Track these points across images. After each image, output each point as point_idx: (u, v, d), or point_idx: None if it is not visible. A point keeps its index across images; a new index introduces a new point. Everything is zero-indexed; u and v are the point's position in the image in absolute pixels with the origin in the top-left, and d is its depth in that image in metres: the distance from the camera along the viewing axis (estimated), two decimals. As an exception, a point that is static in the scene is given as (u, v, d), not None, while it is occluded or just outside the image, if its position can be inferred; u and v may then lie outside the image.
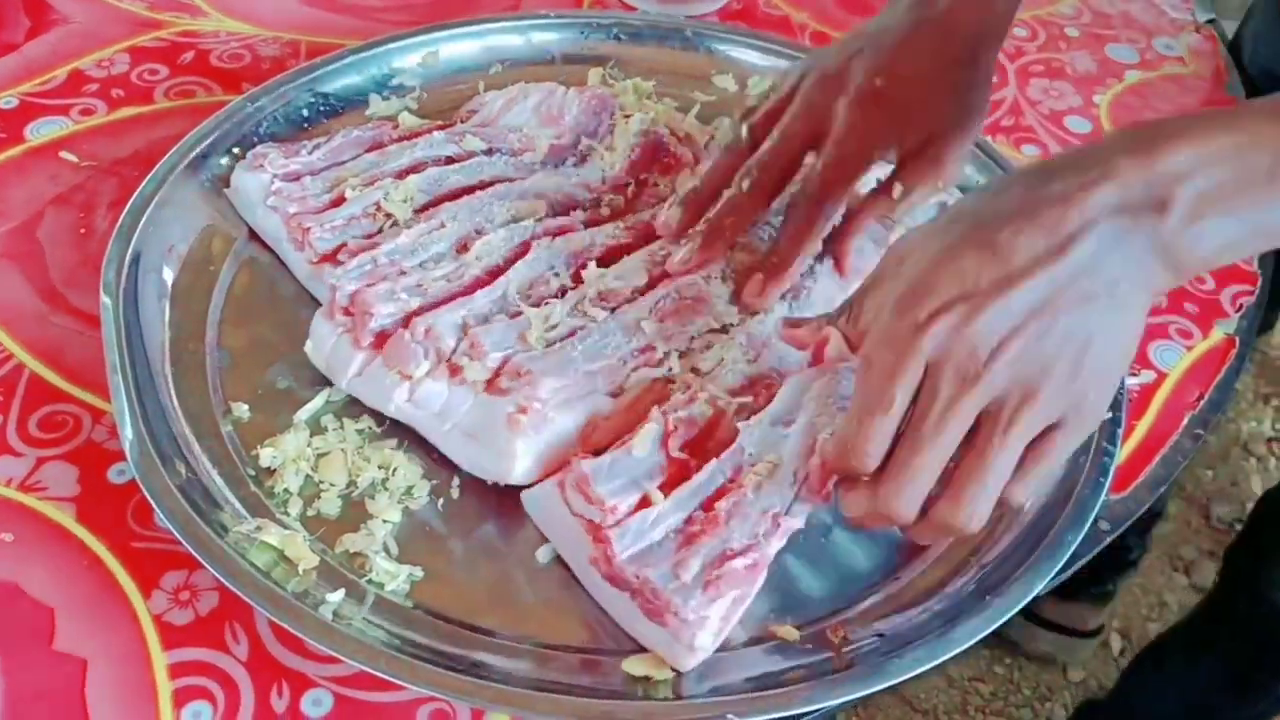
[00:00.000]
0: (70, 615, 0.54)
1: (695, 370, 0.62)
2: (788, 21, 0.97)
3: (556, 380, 0.59)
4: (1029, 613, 1.34)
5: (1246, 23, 1.00)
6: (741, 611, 0.53)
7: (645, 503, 0.54)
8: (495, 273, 0.65)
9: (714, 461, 0.56)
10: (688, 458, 0.56)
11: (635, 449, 0.56)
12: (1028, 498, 0.52)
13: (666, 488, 0.55)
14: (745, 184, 0.63)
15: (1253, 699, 1.06)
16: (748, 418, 0.57)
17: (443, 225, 0.67)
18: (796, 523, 0.54)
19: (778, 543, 0.54)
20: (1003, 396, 0.48)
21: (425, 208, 0.69)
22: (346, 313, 0.62)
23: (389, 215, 0.68)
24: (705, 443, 0.58)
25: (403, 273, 0.64)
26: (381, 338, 0.61)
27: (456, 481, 0.59)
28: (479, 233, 0.67)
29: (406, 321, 0.61)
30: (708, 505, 0.54)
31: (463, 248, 0.66)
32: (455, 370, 0.59)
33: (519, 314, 0.62)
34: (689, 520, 0.54)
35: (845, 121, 0.62)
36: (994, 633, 0.54)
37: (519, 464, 0.58)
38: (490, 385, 0.59)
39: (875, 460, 0.49)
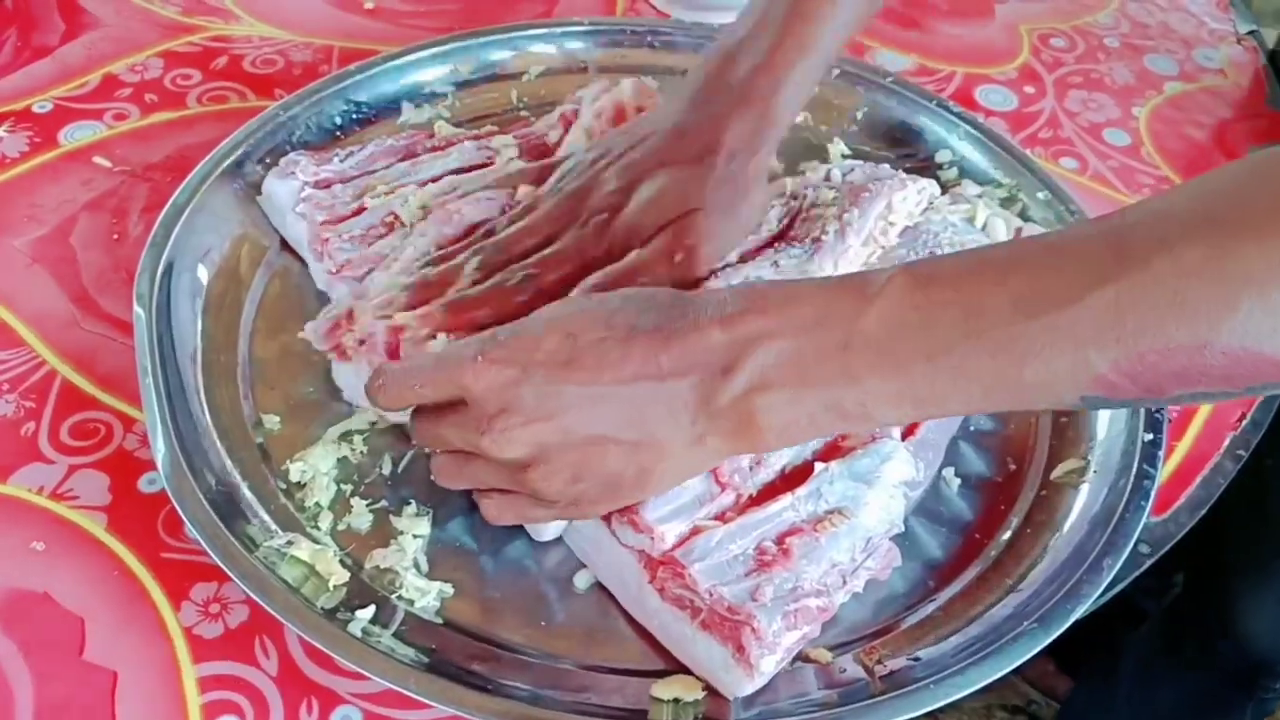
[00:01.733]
0: (100, 625, 0.54)
1: None
2: (822, 30, 0.95)
3: None
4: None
5: None
6: (796, 651, 0.53)
7: (696, 531, 0.54)
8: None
9: (789, 496, 0.55)
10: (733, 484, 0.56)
11: None
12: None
13: (726, 514, 0.55)
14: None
15: (1217, 718, 1.05)
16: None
17: (411, 245, 0.66)
18: (858, 585, 0.54)
19: (842, 598, 0.54)
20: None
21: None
22: (339, 349, 0.62)
23: (402, 223, 0.68)
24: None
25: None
26: (391, 351, 0.60)
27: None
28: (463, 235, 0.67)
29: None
30: (780, 539, 0.54)
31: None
32: None
33: None
34: (761, 550, 0.53)
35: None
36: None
37: (551, 526, 0.57)
38: None
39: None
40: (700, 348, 0.47)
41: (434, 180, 0.71)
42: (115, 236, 0.72)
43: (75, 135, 0.79)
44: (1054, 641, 0.53)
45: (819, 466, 0.56)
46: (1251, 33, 1.00)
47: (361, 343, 0.60)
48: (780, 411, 0.47)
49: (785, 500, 0.55)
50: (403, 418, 0.57)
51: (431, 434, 0.52)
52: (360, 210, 0.69)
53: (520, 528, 0.58)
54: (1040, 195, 0.74)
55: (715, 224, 0.60)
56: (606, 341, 0.48)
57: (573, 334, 0.48)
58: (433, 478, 0.55)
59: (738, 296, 0.48)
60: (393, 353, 0.59)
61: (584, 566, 0.57)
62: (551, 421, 0.48)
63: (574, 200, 0.63)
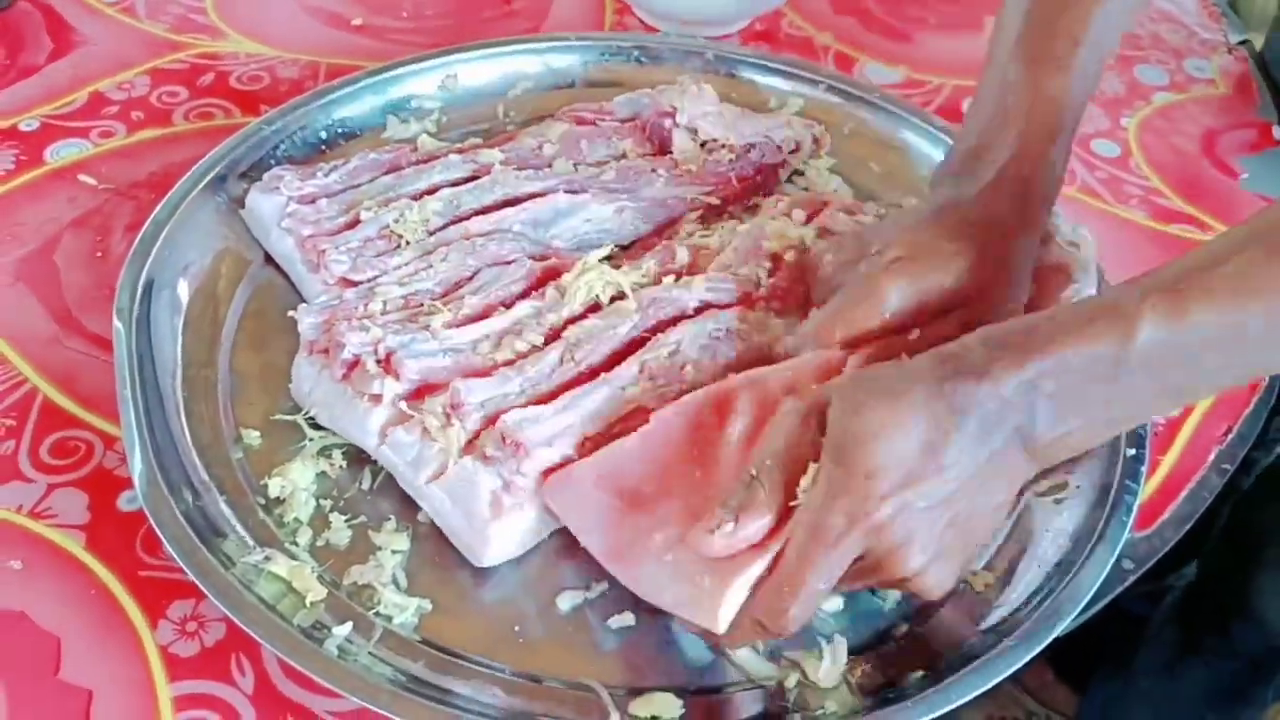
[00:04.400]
0: (76, 645, 0.54)
1: None
2: (810, 43, 0.96)
3: (550, 451, 0.57)
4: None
5: (1271, 36, 0.99)
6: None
7: None
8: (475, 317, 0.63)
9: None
10: None
11: None
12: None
13: None
14: None
15: (1239, 709, 1.04)
16: None
17: (430, 266, 0.66)
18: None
19: None
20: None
21: (439, 229, 0.69)
22: (322, 350, 0.61)
23: (401, 236, 0.68)
24: None
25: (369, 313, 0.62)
26: (352, 367, 0.60)
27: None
28: (470, 277, 0.66)
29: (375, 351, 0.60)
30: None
31: (452, 288, 0.65)
32: (425, 431, 0.57)
33: (498, 365, 0.60)
34: None
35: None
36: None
37: (491, 549, 0.56)
38: (471, 445, 0.57)
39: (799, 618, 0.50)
40: (999, 406, 0.49)
41: (428, 193, 0.71)
42: (99, 254, 0.72)
43: (61, 153, 0.79)
44: (1055, 650, 0.53)
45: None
46: (1243, 43, 0.99)
47: (326, 350, 0.60)
48: (1072, 438, 0.50)
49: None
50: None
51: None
52: (355, 223, 0.69)
53: None
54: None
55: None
56: (938, 440, 0.48)
57: (915, 445, 0.48)
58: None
59: (986, 346, 0.50)
60: (350, 368, 0.59)
61: (568, 589, 0.56)
62: (941, 530, 0.50)
63: None
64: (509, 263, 0.66)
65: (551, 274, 0.66)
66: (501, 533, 0.56)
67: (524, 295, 0.65)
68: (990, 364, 0.48)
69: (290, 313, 0.63)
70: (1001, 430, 0.49)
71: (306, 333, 0.62)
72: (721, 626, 0.50)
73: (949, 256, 0.58)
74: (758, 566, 0.51)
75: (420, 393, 0.59)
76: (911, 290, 0.58)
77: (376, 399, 0.58)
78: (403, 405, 0.58)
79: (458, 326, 0.62)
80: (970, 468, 0.49)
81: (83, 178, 0.77)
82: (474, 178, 0.72)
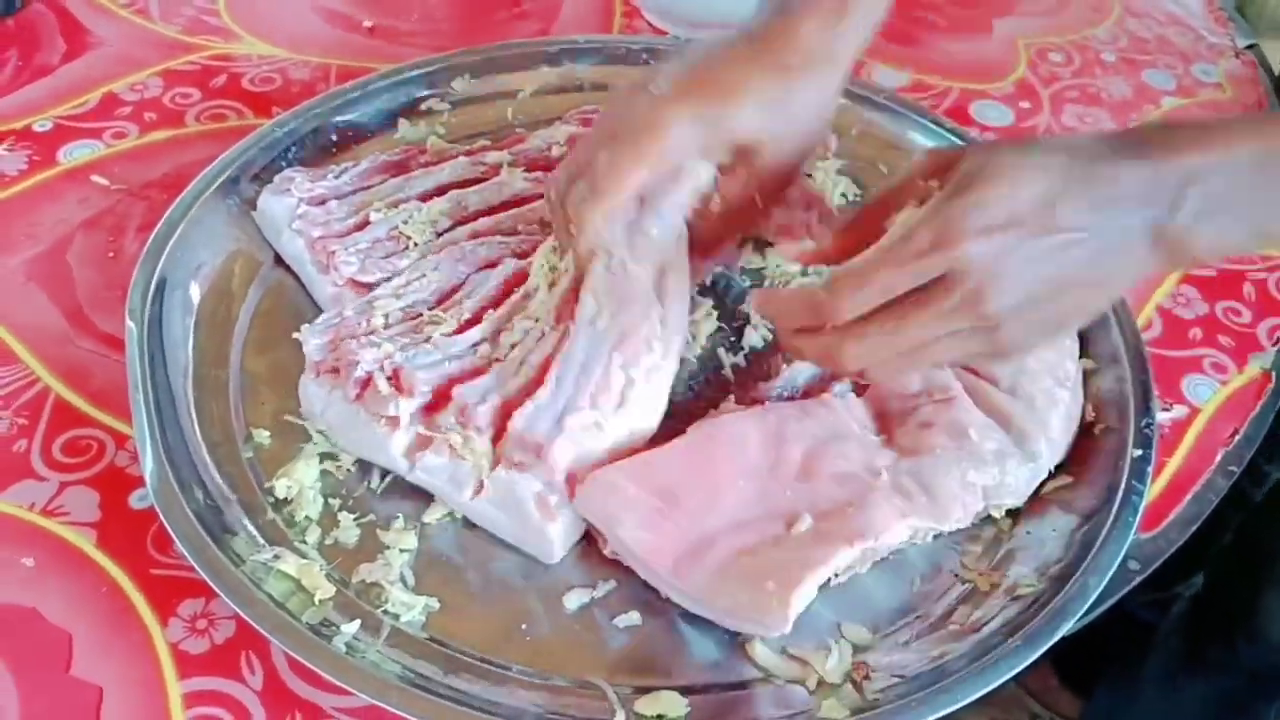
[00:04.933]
0: (87, 641, 0.54)
1: None
2: (818, 46, 0.96)
3: (570, 445, 0.57)
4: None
5: None
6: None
7: None
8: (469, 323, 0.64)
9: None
10: None
11: None
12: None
13: None
14: None
15: None
16: None
17: (424, 275, 0.66)
18: None
19: None
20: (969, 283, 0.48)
21: (446, 230, 0.69)
22: (331, 370, 0.61)
23: (409, 238, 0.68)
24: None
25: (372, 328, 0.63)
26: (365, 386, 0.60)
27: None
28: (463, 283, 0.66)
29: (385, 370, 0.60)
30: None
31: (447, 295, 0.66)
32: (452, 448, 0.58)
33: (492, 361, 0.61)
34: None
35: None
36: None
37: (557, 546, 0.57)
38: (499, 454, 0.57)
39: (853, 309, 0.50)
40: (1142, 189, 0.48)
41: (436, 194, 0.71)
42: (111, 254, 0.73)
43: (74, 154, 0.79)
44: (1058, 655, 0.53)
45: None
46: (1250, 46, 0.99)
47: (336, 370, 0.60)
48: (1215, 237, 0.49)
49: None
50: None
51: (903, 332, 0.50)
52: (365, 224, 0.69)
53: (507, 545, 0.58)
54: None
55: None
56: (1061, 196, 0.48)
57: (1033, 193, 0.48)
58: (859, 367, 0.52)
59: (1148, 133, 0.49)
60: (364, 386, 0.59)
61: (576, 587, 0.57)
62: (1038, 284, 0.49)
63: None
64: (495, 264, 0.67)
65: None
66: (559, 530, 0.57)
67: (508, 292, 0.65)
68: (1152, 148, 0.48)
69: (295, 335, 0.63)
70: (1139, 213, 0.48)
71: (313, 354, 0.61)
72: (788, 627, 0.52)
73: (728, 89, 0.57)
74: (822, 569, 0.53)
75: (436, 405, 0.59)
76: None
77: (394, 421, 0.58)
78: (421, 428, 0.58)
79: (456, 334, 0.62)
80: (1089, 235, 0.48)
81: (95, 178, 0.78)
82: (482, 179, 0.73)
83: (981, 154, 0.49)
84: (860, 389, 0.63)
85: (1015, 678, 0.53)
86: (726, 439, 0.58)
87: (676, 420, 0.61)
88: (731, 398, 0.64)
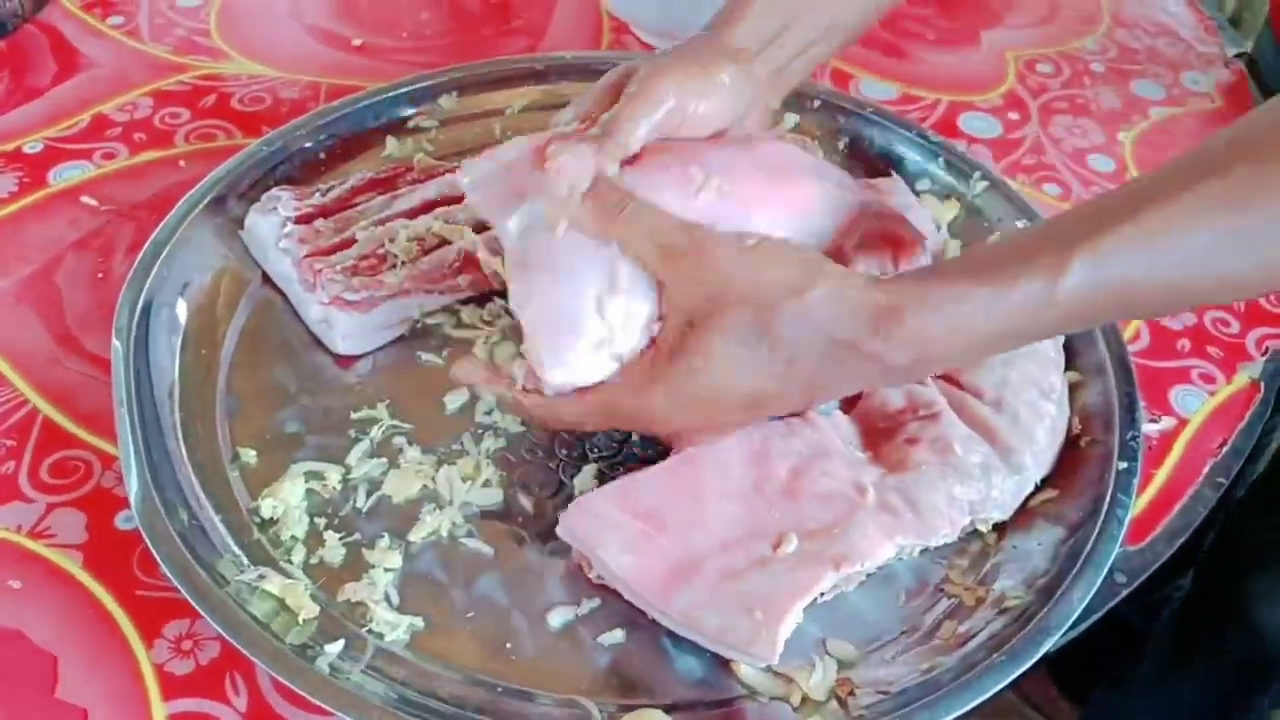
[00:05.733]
0: (73, 663, 0.54)
1: None
2: (807, 59, 0.96)
3: None
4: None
5: (1260, 46, 0.99)
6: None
7: None
8: None
9: None
10: None
11: None
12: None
13: None
14: None
15: (1237, 715, 1.03)
16: None
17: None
18: None
19: None
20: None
21: (433, 249, 0.70)
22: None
23: (396, 256, 0.69)
24: None
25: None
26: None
27: (453, 524, 0.60)
28: None
29: None
30: None
31: None
32: None
33: None
34: None
35: None
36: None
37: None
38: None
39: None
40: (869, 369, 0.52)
41: (423, 210, 0.72)
42: (100, 275, 0.73)
43: (64, 175, 0.80)
44: (1055, 664, 0.53)
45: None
46: (1240, 55, 0.99)
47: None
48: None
49: None
50: None
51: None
52: (350, 242, 0.70)
53: (490, 561, 0.58)
54: (1020, 224, 0.75)
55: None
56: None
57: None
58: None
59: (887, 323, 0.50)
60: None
61: (559, 604, 0.57)
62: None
63: None
64: None
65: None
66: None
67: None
68: (897, 321, 0.50)
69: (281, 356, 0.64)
70: (864, 375, 0.53)
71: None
72: (776, 659, 0.52)
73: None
74: (808, 596, 0.53)
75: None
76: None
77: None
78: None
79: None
80: (789, 403, 0.55)
81: (85, 199, 0.78)
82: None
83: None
84: (846, 406, 0.63)
85: (1004, 690, 0.53)
86: (710, 459, 0.58)
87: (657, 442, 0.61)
88: None
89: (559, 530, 0.57)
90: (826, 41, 0.64)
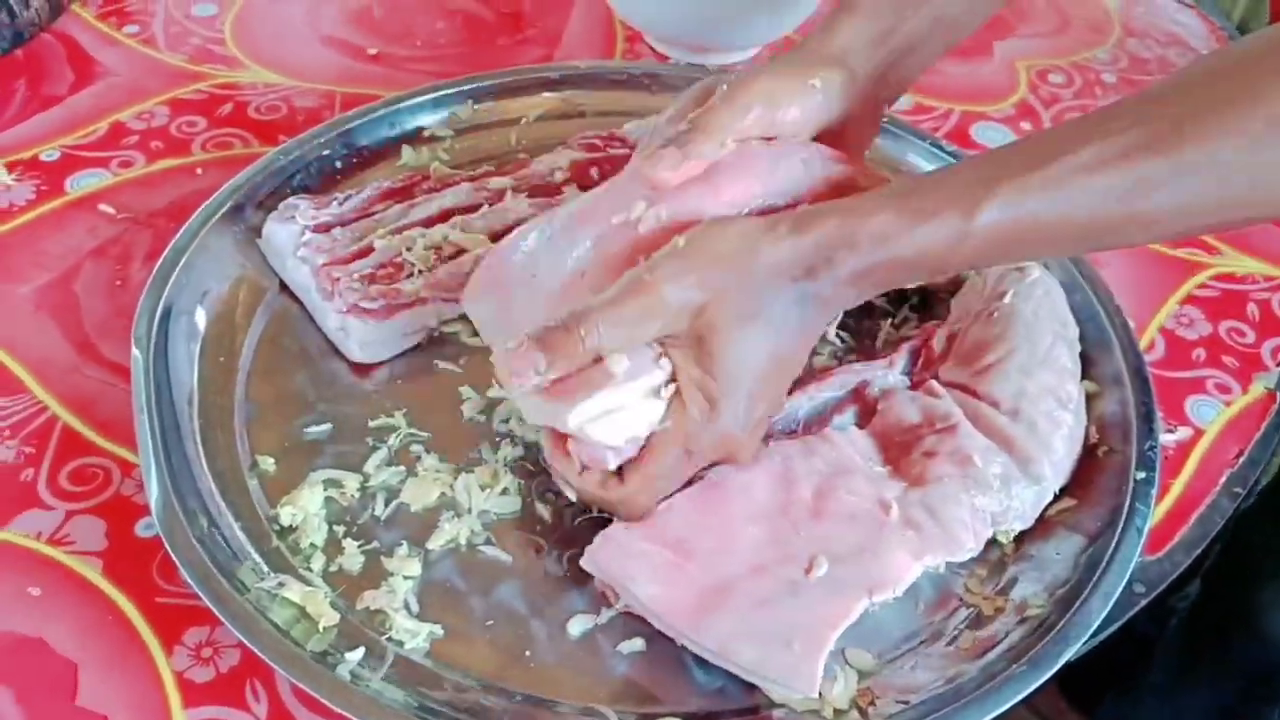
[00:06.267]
0: (93, 671, 0.54)
1: None
2: (820, 69, 0.96)
3: None
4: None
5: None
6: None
7: None
8: None
9: None
10: None
11: None
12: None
13: None
14: None
15: None
16: None
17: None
18: None
19: None
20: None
21: (450, 258, 0.70)
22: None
23: (413, 265, 0.69)
24: None
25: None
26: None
27: (472, 532, 0.60)
28: None
29: None
30: None
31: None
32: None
33: None
34: None
35: None
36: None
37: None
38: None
39: None
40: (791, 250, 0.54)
41: (440, 219, 0.72)
42: (118, 283, 0.73)
43: (81, 183, 0.80)
44: (1065, 678, 0.53)
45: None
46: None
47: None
48: (860, 296, 0.56)
49: None
50: None
51: None
52: (368, 251, 0.70)
53: (510, 571, 0.58)
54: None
55: None
56: (788, 348, 0.56)
57: (766, 365, 0.56)
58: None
59: (822, 244, 0.53)
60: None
61: (579, 613, 0.57)
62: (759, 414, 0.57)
63: None
64: None
65: None
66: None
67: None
68: (831, 264, 0.53)
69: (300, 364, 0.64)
70: (831, 312, 0.57)
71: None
72: (815, 692, 0.52)
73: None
74: (844, 625, 0.53)
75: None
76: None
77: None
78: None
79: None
80: (804, 352, 0.57)
81: (103, 207, 0.78)
82: (486, 204, 0.73)
83: (726, 343, 0.54)
84: (862, 422, 0.63)
85: (1022, 702, 0.53)
86: (734, 484, 0.58)
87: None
88: None
89: (584, 564, 0.57)
90: (938, 39, 0.65)
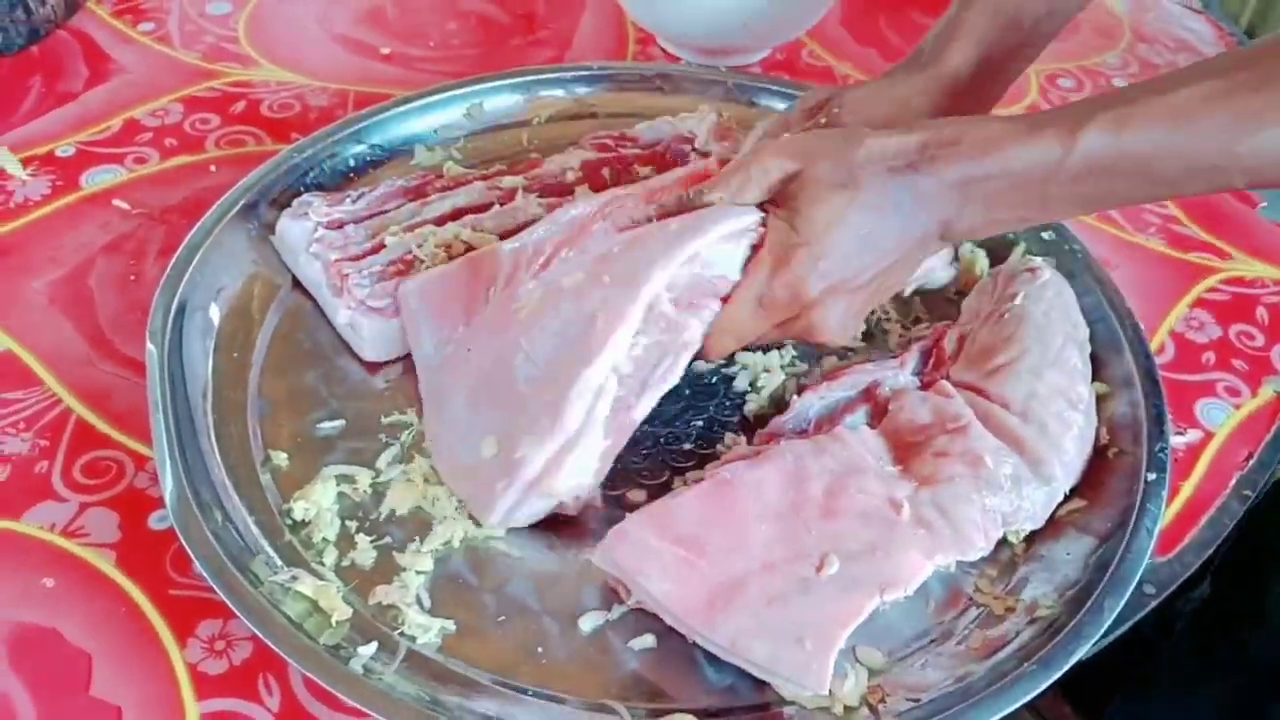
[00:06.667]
0: (107, 662, 0.55)
1: None
2: (830, 72, 0.97)
3: None
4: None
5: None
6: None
7: None
8: None
9: None
10: None
11: None
12: None
13: None
14: None
15: None
16: None
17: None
18: None
19: None
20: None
21: (460, 256, 0.70)
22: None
23: (423, 261, 0.69)
24: None
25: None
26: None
27: (485, 531, 0.60)
28: None
29: None
30: None
31: None
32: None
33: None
34: None
35: None
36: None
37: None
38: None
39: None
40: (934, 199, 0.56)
41: (451, 218, 0.72)
42: (132, 278, 0.74)
43: (96, 179, 0.80)
44: (1069, 683, 0.53)
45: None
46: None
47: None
48: (986, 230, 0.58)
49: None
50: None
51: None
52: (379, 248, 0.70)
53: (520, 565, 0.58)
54: (1045, 235, 0.75)
55: None
56: (880, 232, 0.58)
57: (853, 236, 0.57)
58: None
59: (930, 144, 0.56)
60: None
61: (590, 610, 0.57)
62: (860, 302, 0.60)
63: None
64: None
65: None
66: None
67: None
68: (934, 161, 0.55)
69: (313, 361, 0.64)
70: (931, 217, 0.57)
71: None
72: (826, 689, 0.52)
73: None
74: (855, 623, 0.54)
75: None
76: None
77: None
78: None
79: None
80: (898, 252, 0.58)
81: (117, 203, 0.79)
82: (498, 204, 0.74)
83: (810, 200, 0.57)
84: (874, 422, 0.63)
85: (1029, 704, 0.53)
86: (745, 482, 0.58)
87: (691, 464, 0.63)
88: (743, 439, 0.65)
89: (596, 559, 0.57)
90: (1039, 38, 0.67)
